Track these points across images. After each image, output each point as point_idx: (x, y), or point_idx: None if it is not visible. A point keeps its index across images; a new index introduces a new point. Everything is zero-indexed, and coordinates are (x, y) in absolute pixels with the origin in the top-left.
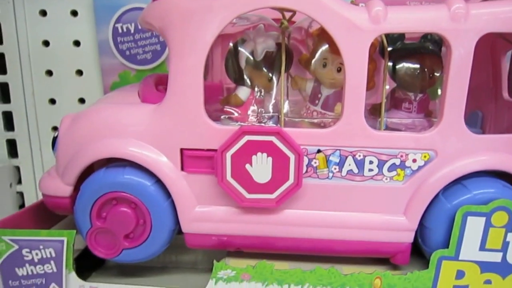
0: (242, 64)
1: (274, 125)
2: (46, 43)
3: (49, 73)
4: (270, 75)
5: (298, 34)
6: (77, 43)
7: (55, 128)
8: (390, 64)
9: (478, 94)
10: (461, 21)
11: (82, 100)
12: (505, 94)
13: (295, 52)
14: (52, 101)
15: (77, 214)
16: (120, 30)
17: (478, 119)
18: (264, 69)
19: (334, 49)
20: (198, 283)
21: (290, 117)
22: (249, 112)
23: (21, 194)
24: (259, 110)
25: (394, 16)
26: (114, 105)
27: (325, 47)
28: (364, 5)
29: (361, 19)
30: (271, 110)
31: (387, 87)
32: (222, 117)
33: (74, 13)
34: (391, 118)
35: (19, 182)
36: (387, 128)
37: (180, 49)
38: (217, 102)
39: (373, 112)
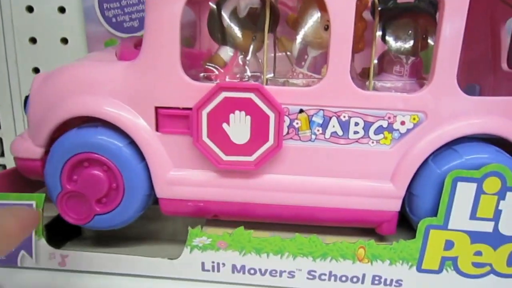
0: (225, 22)
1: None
2: (30, 9)
3: (33, 40)
4: (254, 34)
5: None
6: (62, 10)
7: None
8: (381, 24)
9: (476, 67)
10: None
11: None
12: (504, 65)
13: (282, 16)
14: (36, 70)
15: (47, 176)
16: None
17: (475, 92)
18: (247, 27)
19: (321, 6)
20: (175, 253)
21: (274, 78)
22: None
23: (3, 167)
24: (242, 71)
25: None
26: (87, 63)
27: (311, 4)
28: None
29: None
30: (255, 70)
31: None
32: (201, 75)
33: None
34: (381, 81)
35: (2, 154)
36: (376, 90)
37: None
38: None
39: (363, 76)
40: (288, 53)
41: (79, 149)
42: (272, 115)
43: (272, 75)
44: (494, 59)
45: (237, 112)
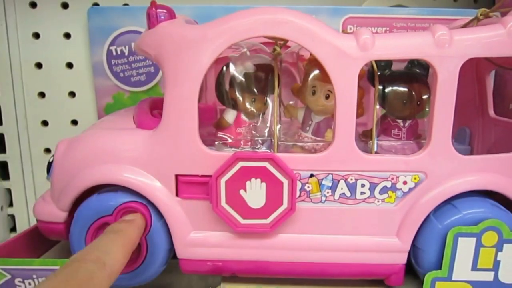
0: (226, 86)
1: (268, 151)
2: (39, 65)
3: (42, 95)
4: (253, 96)
5: (290, 57)
6: (70, 65)
7: (47, 150)
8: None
9: (465, 111)
10: (445, 47)
11: (74, 122)
12: (491, 112)
13: (287, 74)
14: (45, 123)
15: (72, 239)
16: (114, 53)
17: (466, 135)
18: (246, 90)
19: (322, 77)
20: None
21: (283, 141)
22: (240, 133)
23: (12, 217)
24: (253, 133)
25: (381, 43)
26: (109, 131)
27: (313, 75)
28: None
29: (349, 47)
30: (265, 134)
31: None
32: (216, 143)
33: (67, 35)
34: (381, 141)
35: (11, 204)
36: (378, 152)
37: (174, 77)
38: (211, 124)
39: (364, 137)
40: (294, 118)
41: (103, 213)
42: (285, 182)
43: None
44: (481, 104)
45: (253, 179)
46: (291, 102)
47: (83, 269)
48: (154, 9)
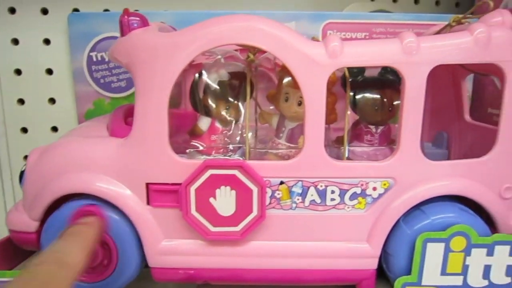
0: (201, 94)
1: (239, 158)
2: (18, 72)
3: (21, 101)
4: (227, 104)
5: (268, 63)
6: (49, 71)
7: (26, 158)
8: (351, 96)
9: (443, 116)
10: (412, 53)
11: (54, 129)
12: (467, 116)
13: (267, 80)
14: (24, 130)
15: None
16: (94, 59)
17: (443, 139)
18: (219, 98)
19: (295, 84)
20: None
21: (255, 149)
22: (213, 141)
23: None
24: (226, 140)
25: (350, 51)
26: (81, 139)
27: (286, 81)
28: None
29: (318, 54)
30: (238, 141)
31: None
32: (187, 150)
33: (47, 41)
34: (353, 147)
35: None
36: (350, 158)
37: (145, 84)
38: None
39: (338, 143)
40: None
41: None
42: (255, 189)
43: (254, 138)
44: (458, 109)
45: (222, 187)
46: (271, 108)
47: (43, 271)
48: (126, 16)
